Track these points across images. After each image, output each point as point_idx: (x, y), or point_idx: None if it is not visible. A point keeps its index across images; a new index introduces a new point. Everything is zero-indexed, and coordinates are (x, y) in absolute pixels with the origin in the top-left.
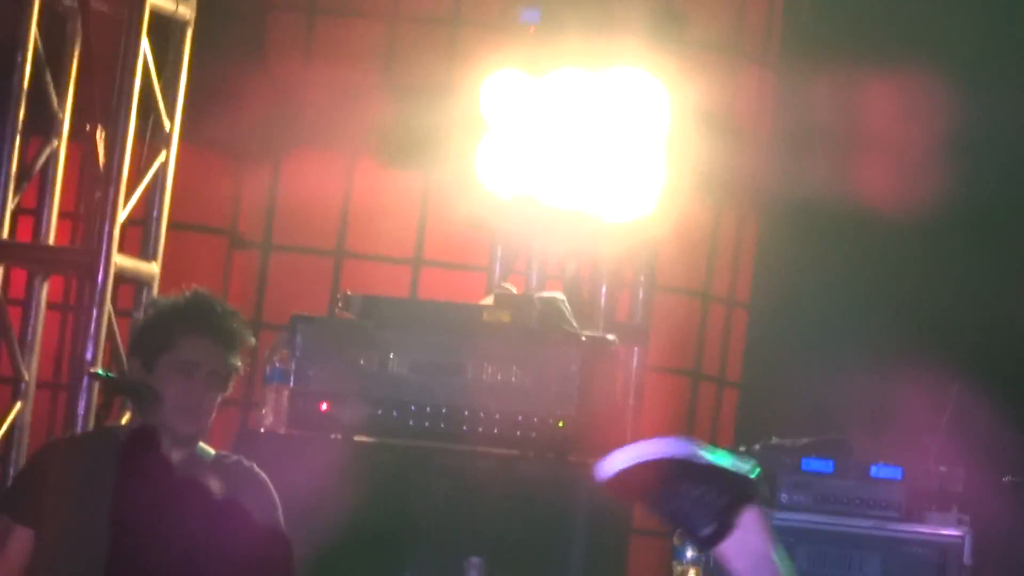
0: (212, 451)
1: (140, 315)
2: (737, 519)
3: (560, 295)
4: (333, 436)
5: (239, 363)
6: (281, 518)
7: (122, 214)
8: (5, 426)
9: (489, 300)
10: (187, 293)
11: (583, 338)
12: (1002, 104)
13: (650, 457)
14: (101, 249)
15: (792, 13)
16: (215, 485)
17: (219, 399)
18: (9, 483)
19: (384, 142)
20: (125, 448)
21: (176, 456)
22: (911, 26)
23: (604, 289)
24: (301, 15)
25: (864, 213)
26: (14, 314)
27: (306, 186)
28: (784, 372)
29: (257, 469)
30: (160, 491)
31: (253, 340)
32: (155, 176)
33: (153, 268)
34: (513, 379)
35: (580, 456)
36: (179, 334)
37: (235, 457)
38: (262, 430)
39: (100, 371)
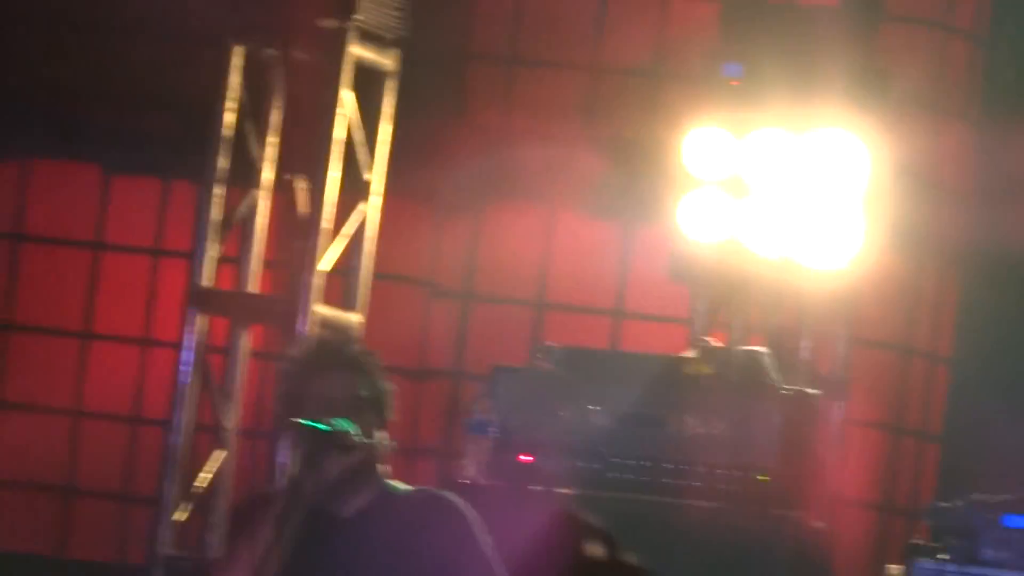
0: (403, 487)
1: None
2: None
3: (762, 348)
4: (534, 488)
5: (355, 383)
6: (478, 542)
7: (323, 264)
8: (209, 473)
9: (691, 352)
10: None
11: (785, 391)
12: None
13: None
14: (300, 299)
15: (993, 67)
16: (383, 527)
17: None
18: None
19: (585, 194)
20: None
21: (356, 501)
22: None
23: (806, 342)
24: (502, 66)
25: None
26: (216, 363)
27: (507, 237)
28: (986, 426)
29: (450, 498)
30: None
31: (378, 363)
32: (358, 227)
33: (355, 318)
34: (715, 432)
35: (782, 509)
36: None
37: (426, 491)
38: (463, 481)
39: (302, 420)
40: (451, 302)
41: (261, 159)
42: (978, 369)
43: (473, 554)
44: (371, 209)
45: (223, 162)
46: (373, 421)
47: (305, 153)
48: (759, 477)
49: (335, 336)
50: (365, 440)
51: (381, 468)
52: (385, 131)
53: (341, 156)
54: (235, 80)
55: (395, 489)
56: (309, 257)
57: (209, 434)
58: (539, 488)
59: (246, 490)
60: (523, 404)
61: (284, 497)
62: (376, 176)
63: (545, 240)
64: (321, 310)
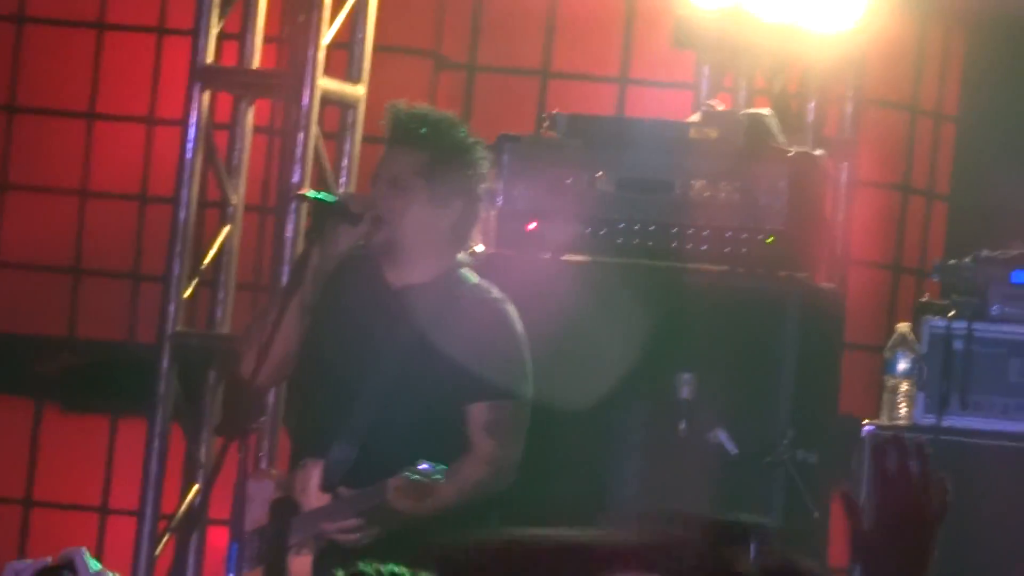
0: (471, 280)
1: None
2: None
3: (767, 111)
4: (541, 255)
5: (438, 167)
6: (512, 339)
7: (326, 37)
8: (214, 250)
9: (696, 117)
10: None
11: (791, 153)
12: None
13: None
14: (305, 72)
15: None
16: (410, 310)
17: (411, 206)
18: None
19: None
20: (340, 269)
21: (405, 277)
22: None
23: (812, 104)
24: None
25: None
26: (220, 138)
27: (510, 5)
28: (993, 184)
29: (491, 297)
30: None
31: (460, 142)
32: None
33: (358, 91)
34: (721, 195)
35: (790, 271)
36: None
37: (484, 288)
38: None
39: (309, 193)
40: (455, 72)
41: None
42: (985, 127)
43: (494, 345)
44: None
45: None
46: (394, 201)
47: None
48: (766, 239)
49: (414, 111)
50: (382, 212)
51: (449, 250)
52: None
53: None
54: None
55: (462, 278)
56: (314, 30)
57: (217, 210)
58: (547, 255)
59: (253, 265)
60: (529, 172)
61: (292, 270)
62: None
63: (548, 7)
64: (324, 83)
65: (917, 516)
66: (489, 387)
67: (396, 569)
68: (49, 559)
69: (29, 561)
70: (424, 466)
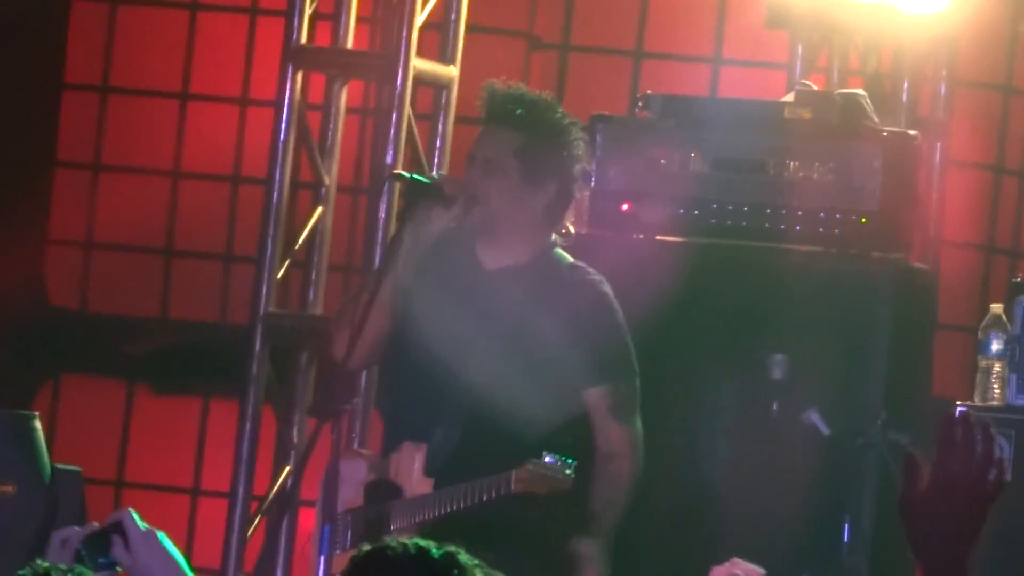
0: (566, 260)
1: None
2: None
3: (861, 91)
4: (635, 236)
5: (533, 148)
6: (612, 319)
7: (419, 17)
8: (307, 231)
9: (790, 97)
10: None
11: (885, 133)
12: None
13: None
14: (399, 53)
15: None
16: (509, 291)
17: (506, 187)
18: None
19: None
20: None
21: (500, 259)
22: None
23: (905, 84)
24: None
25: None
26: (313, 119)
27: None
28: None
29: (591, 279)
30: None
31: (556, 123)
32: None
33: (451, 71)
34: (815, 175)
35: (883, 251)
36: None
37: (582, 269)
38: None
39: (403, 173)
40: (548, 53)
41: None
42: None
43: (603, 327)
44: None
45: None
46: (486, 183)
47: None
48: (860, 219)
49: (507, 91)
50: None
51: (543, 232)
52: None
53: None
54: None
55: (558, 259)
56: (408, 11)
57: (309, 191)
58: (640, 236)
59: (346, 246)
60: (622, 153)
61: (385, 251)
62: None
63: None
64: (418, 64)
65: (972, 489)
66: (605, 370)
67: (422, 543)
68: (96, 524)
69: (77, 528)
70: (549, 459)
